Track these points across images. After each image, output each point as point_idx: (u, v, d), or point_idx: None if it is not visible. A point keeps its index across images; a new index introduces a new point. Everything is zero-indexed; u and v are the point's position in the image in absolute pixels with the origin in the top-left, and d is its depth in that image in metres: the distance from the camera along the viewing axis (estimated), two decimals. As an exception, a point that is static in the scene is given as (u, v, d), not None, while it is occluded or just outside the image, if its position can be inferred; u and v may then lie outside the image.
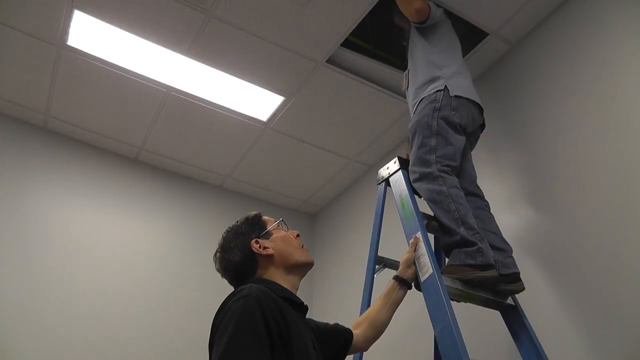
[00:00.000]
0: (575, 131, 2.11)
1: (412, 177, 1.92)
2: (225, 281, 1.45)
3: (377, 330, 1.65)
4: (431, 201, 1.82)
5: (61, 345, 2.67)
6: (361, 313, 1.77)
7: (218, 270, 1.44)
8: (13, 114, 3.06)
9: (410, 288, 1.72)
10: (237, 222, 1.46)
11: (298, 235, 1.48)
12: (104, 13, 2.44)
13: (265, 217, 1.48)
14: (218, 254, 1.44)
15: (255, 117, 3.05)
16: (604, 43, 2.10)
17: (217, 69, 2.73)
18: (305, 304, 1.37)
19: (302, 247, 1.46)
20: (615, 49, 2.05)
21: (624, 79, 1.98)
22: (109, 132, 3.18)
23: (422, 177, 1.86)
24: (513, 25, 2.46)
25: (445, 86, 1.99)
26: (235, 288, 1.32)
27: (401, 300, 1.71)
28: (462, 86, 2.03)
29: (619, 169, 1.89)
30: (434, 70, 2.06)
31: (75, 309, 2.78)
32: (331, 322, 1.58)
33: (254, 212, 1.49)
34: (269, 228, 1.44)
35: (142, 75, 2.78)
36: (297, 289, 1.41)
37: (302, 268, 1.44)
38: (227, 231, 1.44)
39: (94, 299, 2.86)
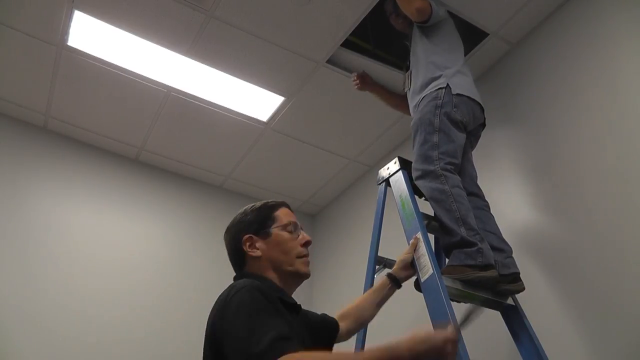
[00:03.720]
0: (575, 131, 2.11)
1: (414, 175, 1.92)
2: (226, 279, 1.43)
3: (361, 325, 1.67)
4: (433, 199, 1.82)
5: (60, 346, 2.66)
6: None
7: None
8: (13, 114, 3.06)
9: (399, 288, 1.73)
10: (254, 205, 1.39)
11: (306, 243, 1.38)
12: (104, 13, 2.44)
13: (278, 213, 1.38)
14: (225, 234, 1.40)
15: (256, 117, 3.05)
16: (604, 43, 2.10)
17: (217, 69, 2.73)
18: (298, 303, 1.31)
19: (303, 257, 1.36)
20: (615, 49, 2.05)
21: (624, 79, 1.98)
22: (109, 132, 3.18)
23: (424, 175, 1.86)
24: (513, 26, 2.46)
25: (447, 84, 1.99)
26: (235, 271, 1.33)
27: (388, 298, 1.71)
28: (463, 85, 2.04)
29: (619, 169, 1.89)
30: (436, 70, 2.06)
31: (74, 309, 2.78)
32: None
33: (273, 201, 1.40)
34: (271, 227, 1.35)
35: (142, 75, 2.78)
36: (292, 292, 1.36)
37: (293, 278, 1.35)
38: (240, 212, 1.39)
39: (93, 299, 2.86)
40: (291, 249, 1.34)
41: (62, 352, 2.66)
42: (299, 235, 1.38)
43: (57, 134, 3.18)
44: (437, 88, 2.00)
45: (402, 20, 2.31)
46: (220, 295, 1.21)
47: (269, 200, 1.42)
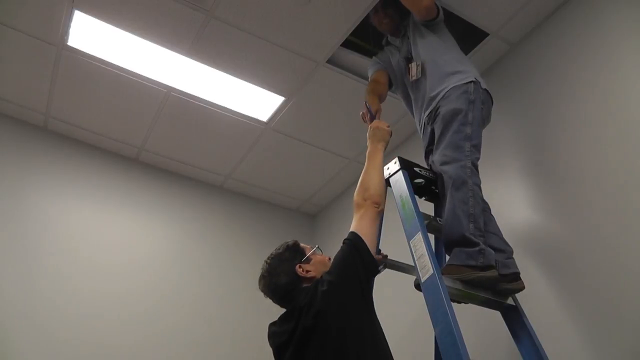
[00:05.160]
0: (575, 131, 2.11)
1: (440, 159, 1.90)
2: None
3: None
4: (454, 185, 1.80)
5: (58, 347, 2.66)
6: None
7: (262, 291, 1.66)
8: (13, 114, 3.06)
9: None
10: (279, 249, 1.70)
11: (330, 259, 1.71)
12: (104, 13, 2.45)
13: (302, 244, 1.73)
14: (264, 279, 1.65)
15: (256, 117, 3.05)
16: (603, 43, 2.10)
17: (217, 69, 2.73)
18: None
19: None
20: (614, 49, 2.05)
21: (624, 79, 1.98)
22: (109, 132, 3.18)
23: (453, 161, 1.85)
24: (513, 25, 2.46)
25: (476, 78, 2.00)
26: (282, 305, 1.62)
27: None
28: (483, 81, 2.06)
29: (619, 169, 1.89)
30: (457, 64, 2.07)
31: (74, 310, 2.78)
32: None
33: (292, 240, 1.74)
34: (308, 254, 1.69)
35: (142, 75, 2.78)
36: None
37: None
38: (272, 258, 1.68)
39: (93, 299, 2.86)
40: (327, 262, 1.70)
41: (60, 353, 2.66)
42: (322, 253, 1.78)
43: (57, 134, 3.18)
44: (466, 81, 1.99)
45: (389, 20, 2.30)
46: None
47: (287, 242, 1.74)
